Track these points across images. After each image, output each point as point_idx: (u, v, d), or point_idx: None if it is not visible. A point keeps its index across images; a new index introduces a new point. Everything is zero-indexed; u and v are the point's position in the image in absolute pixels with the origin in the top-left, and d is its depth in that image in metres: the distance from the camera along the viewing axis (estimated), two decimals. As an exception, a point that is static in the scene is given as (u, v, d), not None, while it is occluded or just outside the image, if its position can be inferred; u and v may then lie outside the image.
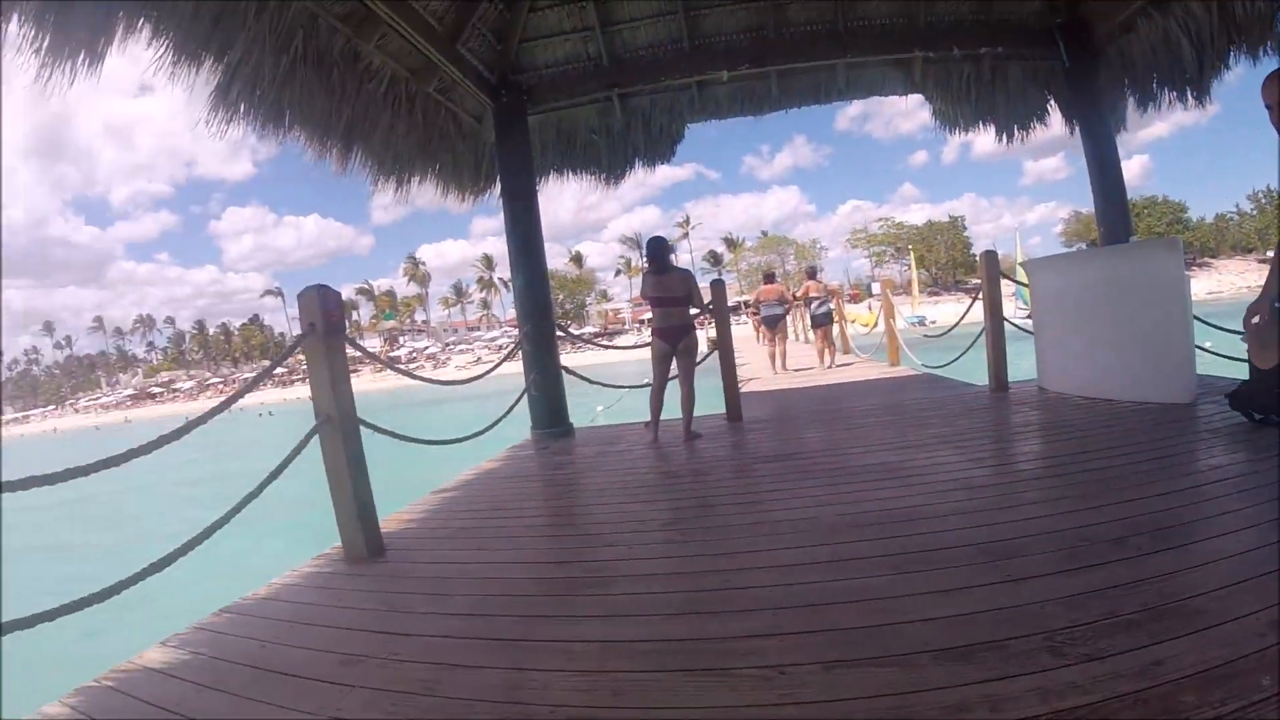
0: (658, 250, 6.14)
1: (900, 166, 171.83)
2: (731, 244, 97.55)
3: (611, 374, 7.82)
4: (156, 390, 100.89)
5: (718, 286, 7.12)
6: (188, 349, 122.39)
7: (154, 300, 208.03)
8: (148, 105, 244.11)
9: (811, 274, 13.81)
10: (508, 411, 6.47)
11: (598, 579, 2.93)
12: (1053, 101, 7.74)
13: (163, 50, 4.24)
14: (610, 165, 8.26)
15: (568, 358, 8.02)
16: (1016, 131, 7.88)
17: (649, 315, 6.46)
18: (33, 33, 3.51)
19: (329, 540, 3.95)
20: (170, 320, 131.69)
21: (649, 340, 6.22)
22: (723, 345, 6.99)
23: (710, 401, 7.01)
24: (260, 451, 20.14)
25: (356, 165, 6.56)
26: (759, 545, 3.08)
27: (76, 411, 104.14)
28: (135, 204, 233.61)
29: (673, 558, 3.12)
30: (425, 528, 4.27)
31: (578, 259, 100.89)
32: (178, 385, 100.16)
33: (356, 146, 6.34)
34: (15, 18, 3.40)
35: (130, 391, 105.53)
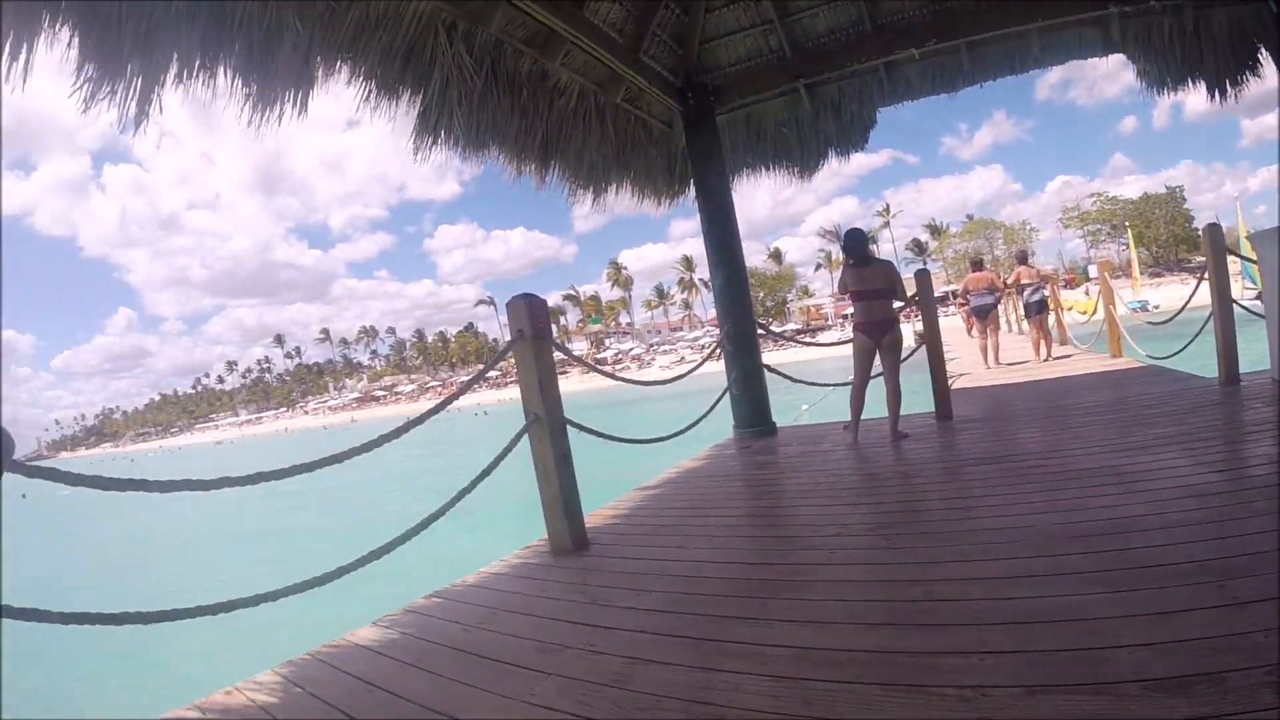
0: (856, 242, 5.91)
1: (1109, 135, 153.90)
2: (935, 231, 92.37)
3: (815, 371, 7.64)
4: (380, 393, 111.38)
5: (923, 276, 6.78)
6: (408, 355, 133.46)
7: (375, 313, 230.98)
8: (356, 138, 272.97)
9: (1022, 259, 12.72)
10: (709, 411, 6.49)
11: (795, 582, 2.88)
12: (1264, 50, 6.73)
13: (363, 87, 4.65)
14: (803, 158, 8.06)
15: (770, 355, 7.94)
16: (1229, 87, 6.92)
17: (851, 310, 6.24)
18: (240, 82, 3.94)
19: (536, 533, 4.15)
20: (391, 330, 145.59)
21: (850, 336, 6.01)
22: (931, 338, 6.61)
23: (917, 399, 6.69)
24: (475, 449, 21.55)
25: (555, 178, 6.84)
26: (966, 554, 2.88)
27: (305, 413, 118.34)
28: (353, 227, 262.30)
29: (874, 564, 3.00)
30: (628, 524, 4.41)
31: (776, 255, 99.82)
32: (399, 389, 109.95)
33: (553, 161, 6.60)
34: (222, 70, 3.84)
35: (355, 395, 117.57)
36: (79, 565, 15.90)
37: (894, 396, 5.80)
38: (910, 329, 8.69)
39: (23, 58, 3.05)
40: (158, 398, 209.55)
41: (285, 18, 3.83)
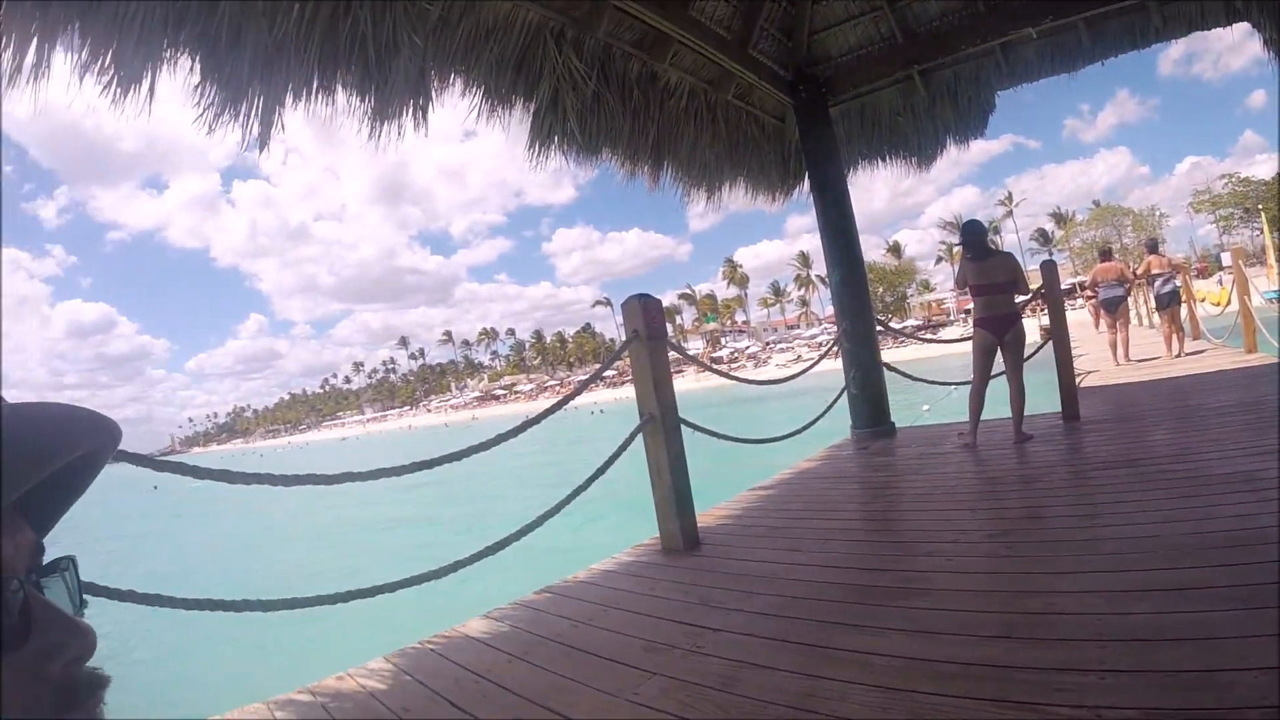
0: (975, 234, 5.68)
1: (1238, 111, 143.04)
2: (1060, 219, 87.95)
3: (935, 369, 7.33)
4: (499, 392, 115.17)
5: (1048, 268, 6.38)
6: (527, 356, 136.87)
7: (495, 315, 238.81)
8: (474, 147, 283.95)
9: (1153, 247, 11.69)
10: (826, 410, 6.37)
11: (909, 590, 2.76)
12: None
13: (477, 98, 4.79)
14: (920, 146, 7.79)
15: (889, 353, 7.69)
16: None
17: (972, 306, 5.97)
18: (359, 99, 4.12)
19: (649, 531, 4.17)
20: (511, 331, 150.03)
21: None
22: (1057, 334, 6.26)
23: (1042, 398, 6.36)
24: (590, 446, 21.85)
25: (668, 178, 6.86)
26: (1090, 565, 2.68)
27: (428, 411, 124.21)
28: (474, 233, 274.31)
29: (993, 573, 2.84)
30: (740, 524, 4.36)
31: (895, 249, 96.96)
32: (518, 388, 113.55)
33: (666, 161, 6.63)
34: (339, 89, 4.03)
35: (476, 394, 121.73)
36: (205, 553, 17.01)
37: (1018, 396, 5.51)
38: (1035, 324, 8.21)
39: (145, 82, 3.28)
40: (287, 397, 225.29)
41: (399, 34, 3.98)
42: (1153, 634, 2.04)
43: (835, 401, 6.72)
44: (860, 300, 7.06)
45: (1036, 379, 5.76)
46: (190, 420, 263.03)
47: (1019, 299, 5.63)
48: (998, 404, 5.69)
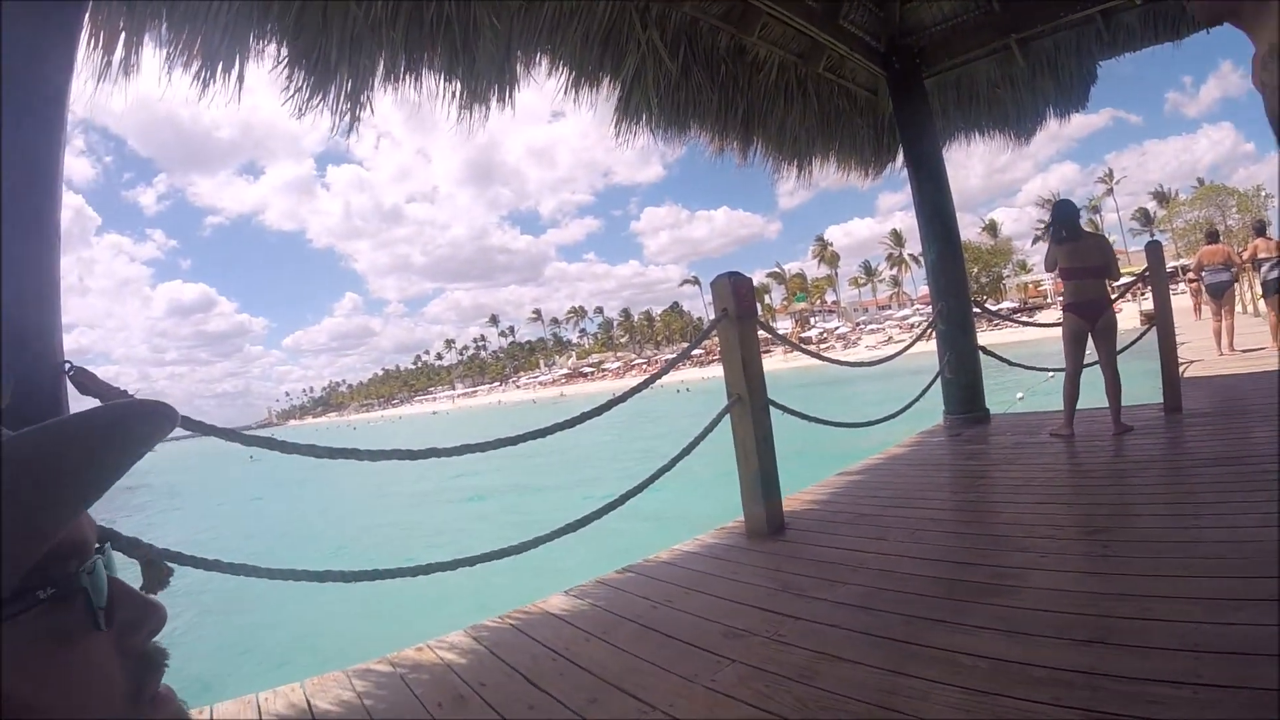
0: (1067, 213, 5.39)
1: None
2: (1162, 198, 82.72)
3: (1032, 354, 6.92)
4: (587, 370, 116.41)
5: (1154, 249, 5.96)
6: (615, 334, 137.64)
7: (584, 293, 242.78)
8: (561, 128, 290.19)
9: (1260, 230, 10.72)
10: (920, 395, 6.15)
11: (999, 587, 2.61)
12: None
13: (562, 78, 4.79)
14: (1018, 120, 7.45)
15: (984, 336, 7.35)
16: None
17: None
18: (446, 81, 4.16)
19: (734, 513, 4.11)
20: (599, 310, 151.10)
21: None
22: (1162, 320, 5.84)
23: (1142, 388, 6.00)
24: (675, 425, 21.85)
25: (758, 155, 6.75)
26: (1189, 569, 2.49)
27: (517, 388, 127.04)
28: (562, 213, 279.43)
29: (1087, 573, 2.65)
30: (827, 510, 4.25)
31: (991, 228, 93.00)
32: (606, 365, 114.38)
33: (755, 137, 6.52)
34: (426, 72, 4.07)
35: (564, 371, 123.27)
36: (296, 522, 17.63)
37: (1114, 385, 5.23)
38: (1136, 309, 7.70)
39: (234, 71, 3.37)
40: (380, 372, 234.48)
41: (482, 17, 3.99)
42: (1250, 647, 1.87)
43: (929, 386, 6.48)
44: (956, 280, 6.79)
45: (1136, 368, 5.44)
46: (287, 394, 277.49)
47: (1111, 285, 5.34)
48: (1095, 393, 5.40)
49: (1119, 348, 5.41)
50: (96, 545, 0.47)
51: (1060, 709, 1.72)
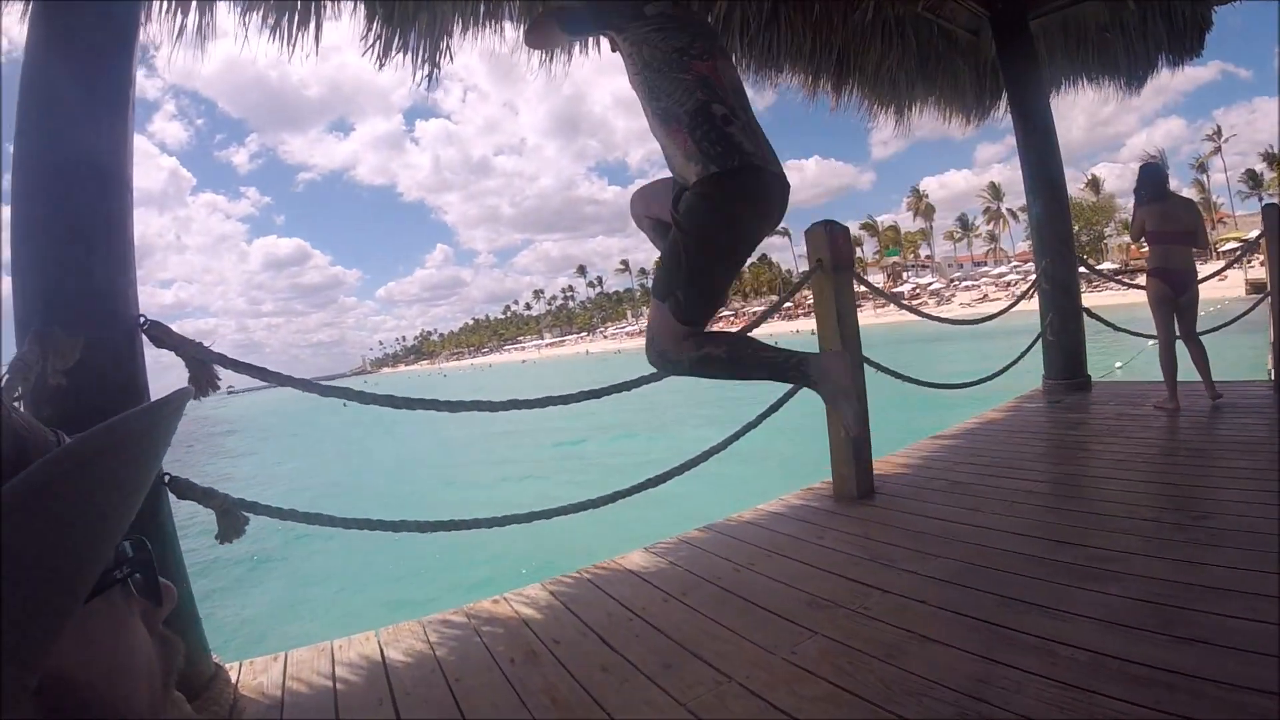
0: (1155, 173, 5.06)
1: None
2: (1272, 160, 75.60)
3: (1127, 319, 6.44)
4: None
5: (1272, 213, 5.30)
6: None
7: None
8: None
9: None
10: (1020, 356, 5.87)
11: (1101, 572, 2.39)
12: None
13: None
14: (1129, 67, 6.89)
15: (1085, 298, 6.90)
16: None
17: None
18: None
19: (819, 474, 3.99)
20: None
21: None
22: (1277, 290, 5.31)
23: (1249, 363, 5.53)
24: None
25: (852, 99, 6.46)
26: None
27: (605, 338, 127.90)
28: (650, 163, 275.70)
29: (1194, 564, 2.38)
30: (919, 475, 4.06)
31: (1094, 184, 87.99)
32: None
33: (850, 80, 6.22)
34: (506, 20, 3.95)
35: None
36: (377, 472, 18.02)
37: (1202, 357, 5.01)
38: (1243, 277, 7.08)
39: (311, 23, 3.35)
40: (471, 322, 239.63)
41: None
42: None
43: (1030, 348, 6.15)
44: (1061, 237, 6.36)
45: (1244, 341, 5.00)
46: (380, 343, 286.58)
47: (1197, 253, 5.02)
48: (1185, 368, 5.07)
49: (1228, 320, 5.11)
50: None
51: (1160, 714, 1.57)
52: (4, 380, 1.56)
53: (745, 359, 2.01)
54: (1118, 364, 11.10)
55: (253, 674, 2.34)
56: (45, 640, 0.30)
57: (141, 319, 2.04)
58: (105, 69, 2.02)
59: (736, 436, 3.59)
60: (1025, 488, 3.60)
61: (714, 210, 1.94)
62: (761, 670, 2.02)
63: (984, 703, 1.70)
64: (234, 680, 2.27)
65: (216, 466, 22.70)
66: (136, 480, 0.37)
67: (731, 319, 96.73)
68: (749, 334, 2.30)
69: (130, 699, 0.38)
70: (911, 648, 2.03)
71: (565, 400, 3.03)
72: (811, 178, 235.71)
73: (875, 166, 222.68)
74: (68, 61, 1.94)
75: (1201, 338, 5.11)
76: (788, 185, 2.10)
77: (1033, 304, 6.47)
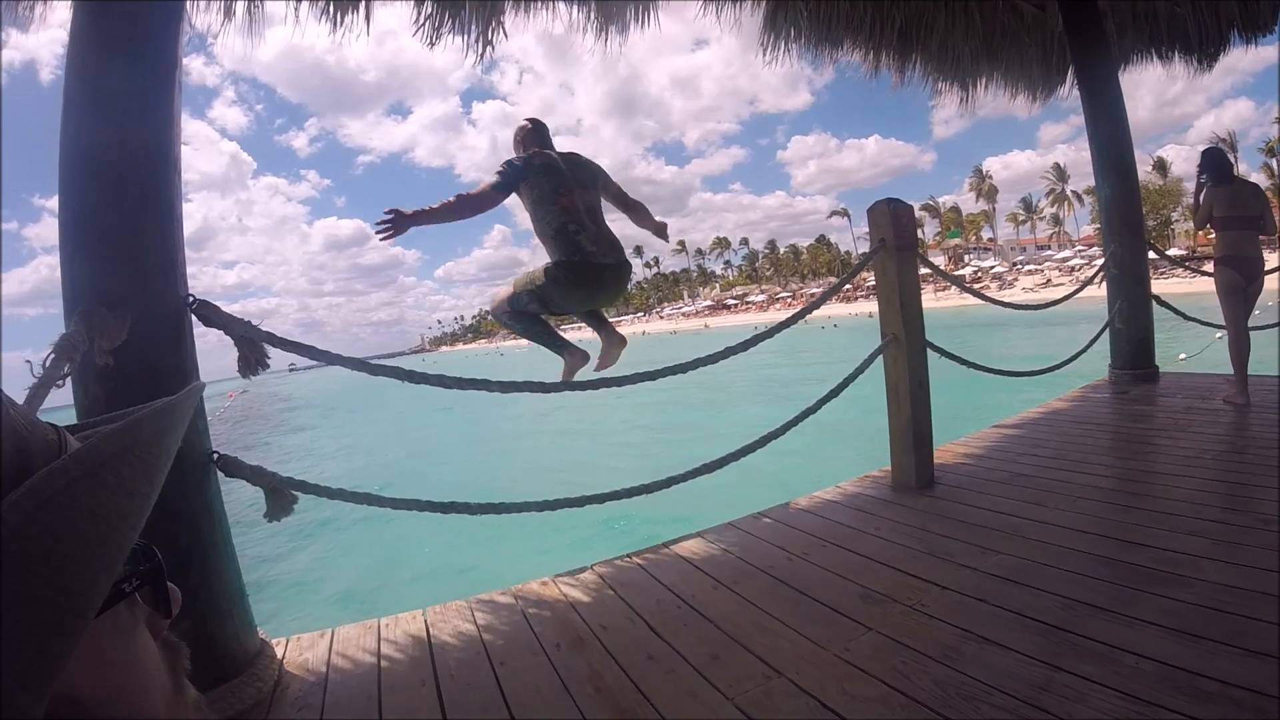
0: (1219, 158, 4.86)
1: None
2: None
3: (1195, 307, 6.14)
4: (731, 302, 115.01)
5: None
6: (760, 266, 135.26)
7: (729, 224, 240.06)
8: (705, 56, 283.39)
9: None
10: (1089, 345, 5.66)
11: (1170, 576, 2.26)
12: None
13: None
14: (1200, 43, 6.53)
15: (1154, 285, 6.60)
16: None
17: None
18: (579, 10, 3.99)
19: (877, 461, 3.91)
20: (745, 241, 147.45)
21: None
22: None
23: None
24: (821, 363, 21.39)
25: (915, 76, 6.29)
26: None
27: (661, 318, 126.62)
28: (707, 143, 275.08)
29: (1264, 570, 2.22)
30: (981, 466, 3.92)
31: (1160, 166, 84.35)
32: (750, 298, 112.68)
33: (913, 55, 6.04)
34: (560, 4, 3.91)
35: (708, 303, 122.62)
36: (428, 452, 18.36)
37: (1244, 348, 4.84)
38: None
39: (361, 7, 3.34)
40: None
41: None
42: None
43: (1098, 336, 5.90)
44: (1131, 221, 6.07)
45: None
46: (439, 322, 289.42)
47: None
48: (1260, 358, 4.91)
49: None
50: None
51: (1229, 736, 1.45)
52: (49, 360, 1.57)
53: (530, 331, 3.22)
54: (1181, 355, 10.70)
55: (299, 650, 2.37)
56: (55, 666, 0.28)
57: (190, 298, 2.05)
58: (151, 49, 2.02)
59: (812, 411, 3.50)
60: (1090, 482, 3.45)
61: (555, 279, 2.99)
62: (811, 666, 1.97)
63: (1044, 711, 1.63)
64: (280, 656, 2.30)
65: (295, 439, 23.36)
66: (149, 487, 0.35)
67: (790, 300, 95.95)
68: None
69: (142, 715, 0.36)
70: (970, 649, 1.95)
71: (619, 383, 2.98)
72: (871, 157, 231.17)
73: (936, 146, 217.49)
74: (113, 42, 1.95)
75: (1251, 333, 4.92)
76: (621, 267, 3.07)
77: (1098, 290, 6.22)
